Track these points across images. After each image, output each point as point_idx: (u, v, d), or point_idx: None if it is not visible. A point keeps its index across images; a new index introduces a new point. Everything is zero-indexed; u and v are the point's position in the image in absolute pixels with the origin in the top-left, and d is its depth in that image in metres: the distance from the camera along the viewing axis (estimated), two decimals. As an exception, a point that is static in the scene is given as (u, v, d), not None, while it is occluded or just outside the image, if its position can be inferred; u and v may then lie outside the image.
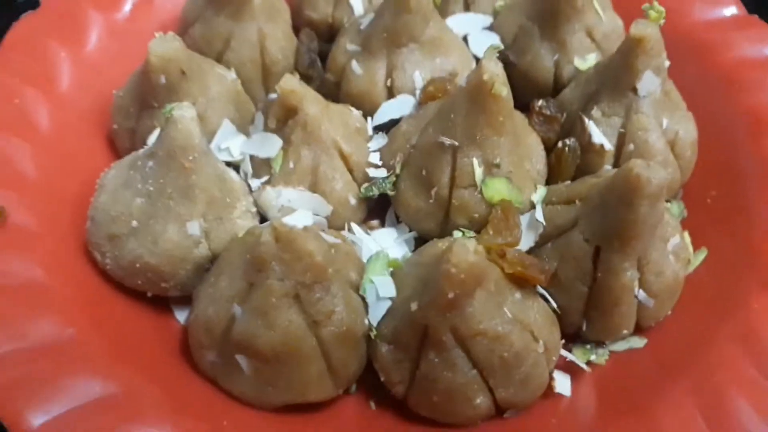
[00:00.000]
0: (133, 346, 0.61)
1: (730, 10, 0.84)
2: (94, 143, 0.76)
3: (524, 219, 0.65)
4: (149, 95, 0.69)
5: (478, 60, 0.80)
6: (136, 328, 0.64)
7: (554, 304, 0.62)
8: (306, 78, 0.80)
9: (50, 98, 0.75)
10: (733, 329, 0.61)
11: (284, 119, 0.68)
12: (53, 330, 0.57)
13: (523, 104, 0.74)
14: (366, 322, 0.59)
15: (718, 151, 0.75)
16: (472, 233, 0.65)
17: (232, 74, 0.77)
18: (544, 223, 0.64)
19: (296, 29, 0.85)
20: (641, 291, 0.62)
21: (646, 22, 0.67)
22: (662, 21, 0.68)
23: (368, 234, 0.69)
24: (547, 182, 0.72)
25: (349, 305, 0.58)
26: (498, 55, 0.75)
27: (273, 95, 0.77)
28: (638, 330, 0.65)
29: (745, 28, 0.82)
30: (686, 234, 0.68)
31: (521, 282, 0.59)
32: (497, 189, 0.66)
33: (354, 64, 0.76)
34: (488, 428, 0.59)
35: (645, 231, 0.58)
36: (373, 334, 0.59)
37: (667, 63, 0.69)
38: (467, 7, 0.87)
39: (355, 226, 0.69)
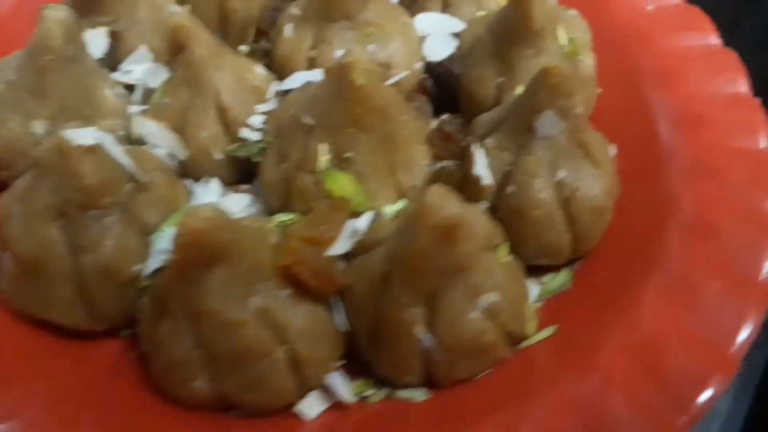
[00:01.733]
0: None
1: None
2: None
3: (351, 224, 0.59)
4: (80, 3, 0.71)
5: (430, 62, 0.75)
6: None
7: (344, 320, 0.56)
8: (262, 35, 0.79)
9: None
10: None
11: (174, 53, 0.67)
12: None
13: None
14: (135, 268, 0.57)
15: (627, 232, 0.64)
16: (296, 217, 0.61)
17: (176, 8, 0.77)
18: (365, 233, 0.58)
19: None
20: (429, 336, 0.54)
21: (561, 55, 0.59)
22: (579, 57, 0.59)
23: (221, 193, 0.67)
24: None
25: (122, 244, 0.56)
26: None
27: None
28: (432, 383, 0.57)
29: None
30: (531, 306, 0.59)
31: (293, 281, 0.54)
32: (341, 184, 0.60)
33: (287, 27, 0.74)
34: (208, 421, 0.55)
35: (432, 268, 0.51)
36: (141, 284, 0.57)
37: (580, 109, 0.60)
38: (445, 9, 0.80)
39: (210, 182, 0.67)
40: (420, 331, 0.53)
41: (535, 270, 0.65)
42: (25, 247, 0.55)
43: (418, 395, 0.56)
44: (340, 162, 0.61)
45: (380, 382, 0.58)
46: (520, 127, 0.61)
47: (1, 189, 0.66)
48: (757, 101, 0.70)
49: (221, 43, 0.69)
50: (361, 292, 0.55)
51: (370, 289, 0.54)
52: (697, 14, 0.79)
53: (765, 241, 0.60)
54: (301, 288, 0.54)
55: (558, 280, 0.65)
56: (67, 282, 0.56)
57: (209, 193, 0.66)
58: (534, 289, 0.64)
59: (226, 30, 0.81)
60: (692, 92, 0.73)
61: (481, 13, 0.79)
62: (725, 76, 0.73)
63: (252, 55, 0.79)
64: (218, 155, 0.68)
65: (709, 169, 0.66)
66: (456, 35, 0.78)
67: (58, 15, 0.61)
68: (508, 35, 0.70)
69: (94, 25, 0.72)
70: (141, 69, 0.71)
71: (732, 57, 0.74)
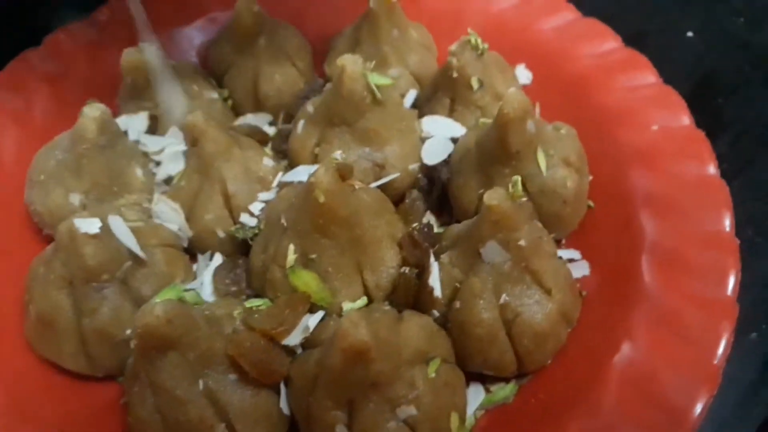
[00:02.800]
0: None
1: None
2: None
3: (305, 320, 0.67)
4: (123, 89, 0.85)
5: (425, 165, 0.82)
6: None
7: (284, 407, 0.64)
8: (290, 119, 0.89)
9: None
10: None
11: (191, 145, 0.78)
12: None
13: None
14: (128, 331, 0.68)
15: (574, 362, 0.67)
16: (261, 304, 0.69)
17: (213, 94, 0.89)
18: (310, 331, 0.65)
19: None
20: None
21: (504, 193, 0.63)
22: (523, 198, 0.63)
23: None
24: (391, 303, 0.72)
25: (116, 312, 0.67)
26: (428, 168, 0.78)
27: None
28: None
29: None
30: (454, 417, 0.64)
31: (238, 368, 0.62)
32: (304, 281, 0.68)
33: (301, 122, 0.83)
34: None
35: (347, 381, 0.57)
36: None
37: (523, 242, 0.64)
38: (451, 114, 0.86)
39: (214, 258, 0.77)
40: (341, 431, 0.60)
41: (486, 377, 0.70)
42: (41, 306, 0.68)
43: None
44: (305, 261, 0.68)
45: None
46: (470, 249, 0.66)
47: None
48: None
49: (232, 139, 0.79)
50: (299, 385, 0.63)
51: (305, 385, 0.62)
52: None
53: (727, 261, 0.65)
54: (246, 374, 0.62)
55: (503, 392, 0.69)
56: (72, 338, 0.68)
57: (212, 265, 0.76)
58: (479, 395, 0.69)
59: (259, 109, 0.92)
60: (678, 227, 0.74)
61: (483, 120, 0.84)
62: (713, 212, 0.74)
63: (277, 137, 0.89)
64: (221, 234, 0.78)
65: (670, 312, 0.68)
66: (454, 140, 0.84)
67: (94, 113, 0.74)
68: (490, 152, 0.75)
69: (138, 110, 0.85)
70: (168, 151, 0.82)
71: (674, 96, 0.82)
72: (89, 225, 0.65)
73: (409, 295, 0.70)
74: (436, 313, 0.68)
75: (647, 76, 0.88)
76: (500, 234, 0.63)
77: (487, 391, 0.70)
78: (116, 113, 0.90)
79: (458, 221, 0.76)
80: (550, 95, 0.91)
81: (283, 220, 0.69)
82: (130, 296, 0.68)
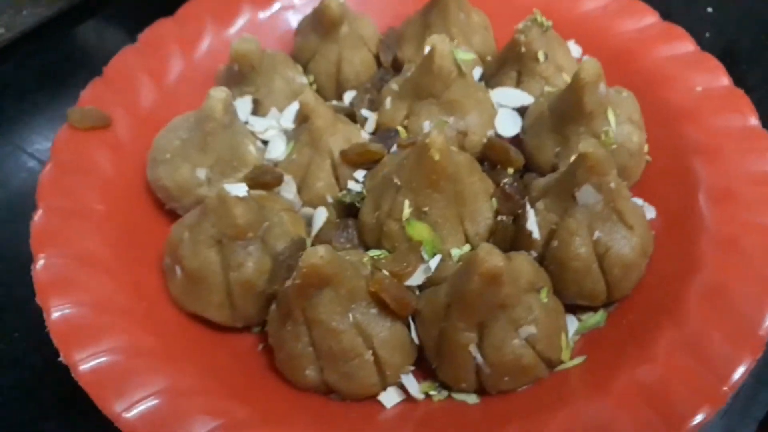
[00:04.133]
0: (139, 231, 0.86)
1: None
2: (202, 96, 1.03)
3: (425, 263, 0.77)
4: (231, 76, 0.95)
5: (498, 134, 0.92)
6: (148, 223, 0.89)
7: (414, 335, 0.75)
8: (361, 98, 0.99)
9: (187, 56, 1.04)
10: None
11: (300, 122, 0.88)
12: (93, 202, 0.86)
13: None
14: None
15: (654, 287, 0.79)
16: (380, 254, 0.79)
17: (303, 79, 0.99)
18: (432, 271, 0.76)
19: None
20: (479, 356, 0.71)
21: (597, 142, 0.74)
22: (613, 146, 0.74)
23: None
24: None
25: (259, 265, 0.77)
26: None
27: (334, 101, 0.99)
28: (481, 391, 0.74)
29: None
30: (567, 338, 0.74)
31: (380, 302, 0.72)
32: (419, 231, 0.79)
33: (388, 100, 0.93)
34: (315, 401, 0.74)
35: (481, 305, 0.68)
36: (270, 291, 0.77)
37: (613, 185, 0.75)
38: (518, 85, 0.97)
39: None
40: (473, 350, 0.70)
41: (577, 308, 0.80)
42: (191, 264, 0.77)
43: (471, 399, 0.74)
44: (419, 214, 0.79)
45: (442, 385, 0.76)
46: (564, 194, 0.77)
47: (169, 216, 0.90)
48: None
49: (336, 115, 0.89)
50: (428, 316, 0.73)
51: (435, 315, 0.72)
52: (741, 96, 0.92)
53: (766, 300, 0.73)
54: (385, 308, 0.73)
55: (594, 318, 0.80)
56: (219, 291, 0.77)
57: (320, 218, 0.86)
58: (573, 324, 0.80)
59: (340, 91, 1.02)
60: (727, 169, 0.85)
61: (548, 88, 0.95)
62: (757, 155, 0.86)
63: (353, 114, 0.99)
64: (330, 199, 0.88)
65: (730, 239, 0.79)
66: (522, 109, 0.94)
67: (220, 95, 0.83)
68: (565, 114, 0.86)
69: (242, 94, 0.95)
70: (272, 131, 0.92)
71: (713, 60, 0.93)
72: (237, 189, 0.75)
73: (507, 240, 0.81)
74: (533, 253, 0.79)
75: (686, 44, 0.99)
76: (594, 178, 0.74)
77: (579, 320, 0.81)
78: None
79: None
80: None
81: (396, 180, 0.80)
82: (269, 252, 0.78)
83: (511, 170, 0.88)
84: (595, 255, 0.77)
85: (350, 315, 0.71)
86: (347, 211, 0.89)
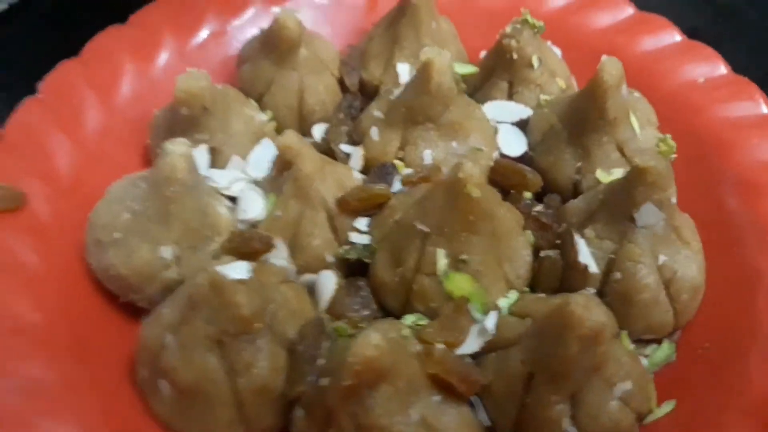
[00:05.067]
0: (90, 344, 0.66)
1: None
2: (131, 154, 0.84)
3: (478, 323, 0.64)
4: (175, 122, 0.76)
5: (502, 154, 0.80)
6: (102, 329, 0.69)
7: (485, 416, 0.61)
8: (336, 131, 0.83)
9: (106, 103, 0.84)
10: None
11: (281, 169, 0.71)
12: (23, 310, 0.64)
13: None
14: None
15: (719, 305, 0.69)
16: (425, 320, 0.65)
17: (262, 116, 0.82)
18: (494, 333, 0.62)
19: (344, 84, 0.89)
20: (573, 428, 0.58)
21: (655, 154, 0.64)
22: (673, 156, 0.64)
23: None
24: (532, 289, 0.70)
25: (273, 362, 0.60)
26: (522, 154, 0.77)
27: None
28: (570, 467, 0.61)
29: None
30: (650, 383, 0.64)
31: (443, 386, 0.58)
32: (460, 285, 0.65)
33: (374, 130, 0.79)
34: None
35: (578, 371, 0.55)
36: (293, 394, 0.60)
37: (674, 198, 0.65)
38: (510, 96, 0.86)
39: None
40: (566, 424, 0.58)
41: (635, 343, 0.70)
42: (186, 376, 0.59)
43: (563, 480, 0.60)
44: (456, 263, 0.65)
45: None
46: (617, 217, 0.66)
47: (127, 310, 0.71)
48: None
49: (322, 156, 0.73)
50: (502, 391, 0.60)
51: (512, 388, 0.59)
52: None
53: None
54: (448, 392, 0.58)
55: (662, 352, 0.69)
56: (226, 404, 0.59)
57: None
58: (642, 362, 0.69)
59: (303, 127, 0.86)
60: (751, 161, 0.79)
61: (545, 97, 0.85)
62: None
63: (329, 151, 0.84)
64: (330, 258, 0.71)
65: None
66: (521, 123, 0.83)
67: (181, 149, 0.65)
68: (582, 123, 0.76)
69: (194, 143, 0.76)
70: (238, 184, 0.75)
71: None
72: (236, 270, 0.58)
73: (555, 277, 0.69)
74: (591, 290, 0.67)
75: (673, 34, 0.92)
76: (655, 195, 0.64)
77: (644, 356, 0.70)
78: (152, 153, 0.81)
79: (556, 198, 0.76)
80: (578, 66, 0.93)
81: (420, 226, 0.65)
82: (279, 342, 0.61)
83: (528, 194, 0.76)
84: (661, 282, 0.66)
85: (412, 411, 0.56)
86: (351, 269, 0.73)
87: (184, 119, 0.74)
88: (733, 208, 0.76)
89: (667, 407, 0.64)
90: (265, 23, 0.92)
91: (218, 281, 0.57)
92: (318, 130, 0.85)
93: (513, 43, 0.82)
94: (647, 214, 0.65)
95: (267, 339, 0.60)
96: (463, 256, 0.65)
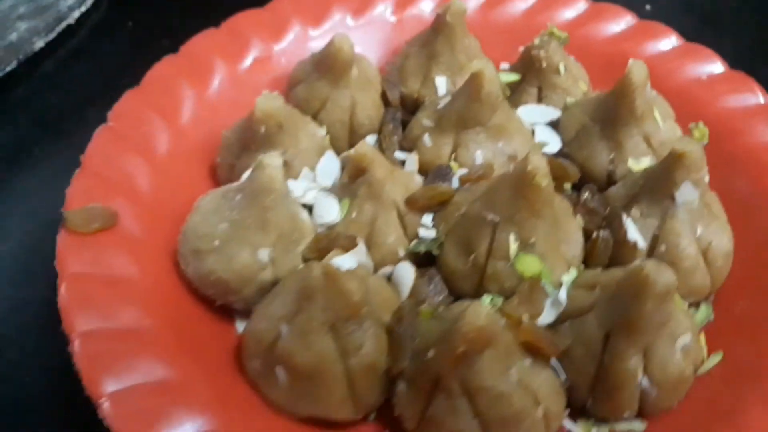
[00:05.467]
0: (196, 344, 0.72)
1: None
2: (200, 171, 0.91)
3: (551, 297, 0.72)
4: (250, 140, 0.83)
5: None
6: (203, 328, 0.75)
7: (564, 377, 0.69)
8: (386, 142, 0.92)
9: (173, 127, 0.90)
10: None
11: (355, 176, 0.79)
12: (136, 316, 0.70)
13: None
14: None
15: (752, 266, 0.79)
16: (500, 300, 0.73)
17: (322, 131, 0.90)
18: (566, 304, 0.71)
19: (387, 98, 0.97)
20: (645, 379, 0.67)
21: (690, 139, 0.74)
22: (705, 141, 0.74)
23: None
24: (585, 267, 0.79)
25: (377, 343, 0.67)
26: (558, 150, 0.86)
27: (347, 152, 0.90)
28: (642, 415, 0.70)
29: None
30: (702, 336, 0.73)
31: (533, 351, 0.66)
32: (529, 265, 0.73)
33: (426, 137, 0.87)
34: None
35: (650, 326, 0.64)
36: (396, 370, 0.67)
37: (707, 178, 0.75)
38: (540, 100, 0.96)
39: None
40: (640, 376, 0.66)
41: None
42: (304, 359, 0.65)
43: (638, 426, 0.69)
44: (525, 247, 0.73)
45: (598, 420, 0.70)
46: (660, 197, 0.76)
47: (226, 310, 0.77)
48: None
49: (389, 161, 0.81)
50: (580, 352, 0.68)
51: (590, 349, 0.67)
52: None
53: None
54: (536, 357, 0.66)
55: (702, 313, 0.79)
56: (340, 383, 0.66)
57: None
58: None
59: (353, 140, 0.94)
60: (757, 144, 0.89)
61: (570, 99, 0.95)
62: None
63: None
64: (402, 253, 0.79)
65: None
66: (552, 123, 0.93)
67: (276, 162, 0.72)
68: (613, 120, 0.85)
69: (268, 158, 0.83)
70: (313, 193, 0.82)
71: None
72: (345, 262, 0.65)
73: (607, 255, 0.78)
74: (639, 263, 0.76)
75: (671, 38, 1.04)
76: (692, 175, 0.74)
77: (684, 317, 0.79)
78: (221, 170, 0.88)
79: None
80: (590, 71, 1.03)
81: (490, 217, 0.74)
82: (381, 325, 0.68)
83: (568, 185, 0.85)
84: (699, 251, 0.76)
85: (511, 374, 0.64)
86: (418, 262, 0.81)
87: (259, 137, 0.82)
88: (743, 185, 0.87)
89: (716, 358, 0.73)
90: (304, 45, 1.01)
91: (332, 272, 0.64)
92: (370, 140, 0.93)
93: (542, 53, 0.92)
94: (686, 193, 0.74)
95: (371, 322, 0.67)
96: (531, 240, 0.73)
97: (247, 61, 1.01)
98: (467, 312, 0.60)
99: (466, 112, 0.84)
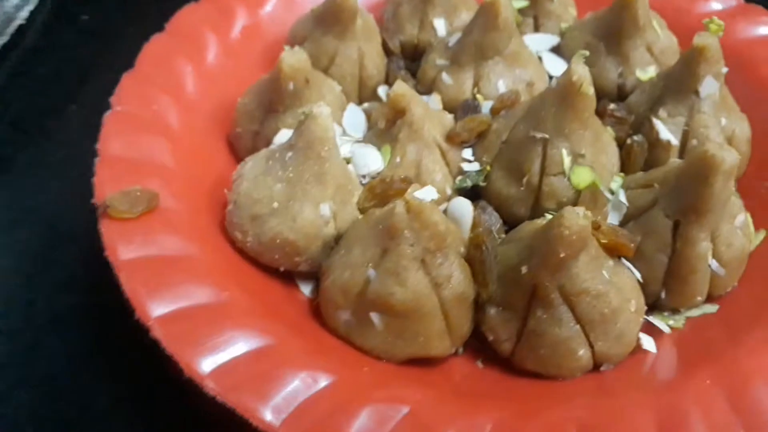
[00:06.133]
0: (274, 309, 0.70)
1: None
2: (216, 143, 0.87)
3: (611, 201, 0.75)
4: (276, 101, 0.80)
5: (550, 76, 0.92)
6: (271, 296, 0.73)
7: (638, 274, 0.71)
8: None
9: (180, 104, 0.86)
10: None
11: (393, 120, 0.78)
12: (212, 293, 0.67)
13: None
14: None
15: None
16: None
17: (336, 86, 0.88)
18: (627, 205, 0.73)
19: (387, 47, 0.96)
20: (714, 261, 0.71)
21: (707, 34, 0.78)
22: (721, 33, 0.79)
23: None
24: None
25: (464, 271, 0.67)
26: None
27: (366, 104, 0.90)
28: (710, 299, 0.74)
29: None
30: (748, 215, 0.78)
31: (612, 251, 0.68)
32: (583, 176, 0.75)
33: (444, 75, 0.88)
34: (587, 380, 0.68)
35: (718, 205, 0.68)
36: (487, 294, 0.68)
37: (725, 69, 0.80)
38: (537, 29, 0.98)
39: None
40: (710, 258, 0.70)
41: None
42: (403, 297, 0.65)
43: (710, 309, 0.73)
44: (577, 159, 0.76)
45: (671, 311, 0.74)
46: (684, 94, 0.80)
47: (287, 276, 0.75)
48: None
49: (421, 98, 0.81)
50: (651, 247, 0.71)
51: (661, 241, 0.70)
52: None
53: None
54: (614, 257, 0.69)
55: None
56: (436, 316, 0.66)
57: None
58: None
59: (362, 92, 0.93)
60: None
61: (564, 24, 0.98)
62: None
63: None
64: (449, 190, 0.80)
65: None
66: (553, 49, 0.96)
67: (325, 111, 0.70)
68: (618, 34, 0.89)
69: (296, 118, 0.81)
70: (345, 146, 0.81)
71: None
72: (426, 194, 0.65)
73: (643, 158, 0.81)
74: (674, 160, 0.80)
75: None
76: (713, 67, 0.78)
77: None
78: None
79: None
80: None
81: (538, 135, 0.75)
82: (459, 255, 0.69)
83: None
84: (725, 139, 0.81)
85: (603, 273, 0.66)
86: (463, 196, 0.81)
87: (287, 95, 0.79)
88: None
89: (761, 235, 0.78)
90: (294, 5, 0.98)
91: (417, 205, 0.63)
92: (383, 91, 0.92)
93: (537, -19, 0.94)
94: (709, 85, 0.79)
95: (454, 253, 0.67)
96: (582, 152, 0.75)
97: (236, 30, 0.97)
98: (564, 218, 0.61)
99: (485, 42, 0.85)
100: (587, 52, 0.77)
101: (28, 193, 0.92)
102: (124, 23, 1.14)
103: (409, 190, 0.65)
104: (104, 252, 0.68)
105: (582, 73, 0.72)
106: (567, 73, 0.73)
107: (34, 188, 0.92)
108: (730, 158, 0.65)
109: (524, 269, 0.65)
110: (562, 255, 0.62)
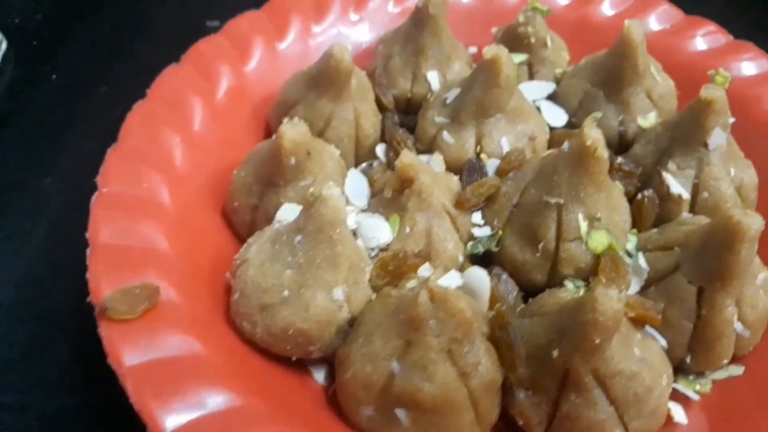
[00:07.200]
0: (291, 408, 0.66)
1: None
2: (212, 219, 0.83)
3: (630, 266, 0.73)
4: (276, 174, 0.76)
5: (551, 127, 0.90)
6: (285, 390, 0.69)
7: (663, 342, 0.70)
8: (401, 147, 0.88)
9: (171, 179, 0.81)
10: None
11: (401, 189, 0.75)
12: (226, 399, 0.63)
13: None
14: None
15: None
16: (580, 282, 0.72)
17: (336, 150, 0.85)
18: (648, 269, 0.72)
19: (381, 103, 0.93)
20: (739, 323, 0.69)
21: (713, 86, 0.77)
22: (727, 85, 0.78)
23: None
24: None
25: (491, 356, 0.65)
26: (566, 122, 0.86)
27: (364, 164, 0.86)
28: (733, 359, 0.72)
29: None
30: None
31: (640, 323, 0.66)
32: (600, 240, 0.74)
33: (445, 134, 0.85)
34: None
35: (744, 271, 0.66)
36: (517, 377, 0.65)
37: (732, 120, 0.79)
38: (531, 76, 0.96)
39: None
40: (735, 322, 0.68)
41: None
42: (432, 392, 0.61)
43: (737, 370, 0.72)
44: (593, 222, 0.74)
45: (696, 375, 0.72)
46: (692, 147, 0.79)
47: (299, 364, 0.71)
48: None
49: (427, 165, 0.78)
50: (676, 313, 0.69)
51: (686, 307, 0.68)
52: None
53: None
54: (641, 329, 0.67)
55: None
56: (466, 407, 0.63)
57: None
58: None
59: (358, 152, 0.90)
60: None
61: (558, 70, 0.96)
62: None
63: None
64: (461, 258, 0.77)
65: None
66: (549, 97, 0.94)
67: (335, 193, 0.67)
68: (618, 81, 0.88)
69: (298, 191, 0.77)
70: (351, 216, 0.77)
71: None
72: (451, 280, 0.62)
73: (654, 213, 0.80)
74: (686, 215, 0.79)
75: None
76: (721, 119, 0.77)
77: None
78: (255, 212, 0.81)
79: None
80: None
81: (552, 200, 0.73)
82: (484, 337, 0.66)
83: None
84: (734, 189, 0.80)
85: (634, 351, 0.64)
86: (474, 262, 0.79)
87: (289, 169, 0.75)
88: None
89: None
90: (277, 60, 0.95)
91: (441, 294, 0.60)
92: (380, 150, 0.89)
93: (530, 29, 0.92)
94: (717, 137, 0.78)
95: (480, 337, 0.64)
96: (598, 214, 0.73)
97: (220, 93, 0.93)
98: (598, 302, 0.58)
99: (485, 100, 0.83)
100: (599, 114, 0.76)
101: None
102: (95, 81, 1.08)
103: (423, 269, 0.62)
104: (106, 359, 0.64)
105: (596, 136, 0.70)
106: (580, 137, 0.71)
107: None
108: (756, 224, 0.64)
109: (555, 353, 0.62)
110: (597, 341, 0.59)
